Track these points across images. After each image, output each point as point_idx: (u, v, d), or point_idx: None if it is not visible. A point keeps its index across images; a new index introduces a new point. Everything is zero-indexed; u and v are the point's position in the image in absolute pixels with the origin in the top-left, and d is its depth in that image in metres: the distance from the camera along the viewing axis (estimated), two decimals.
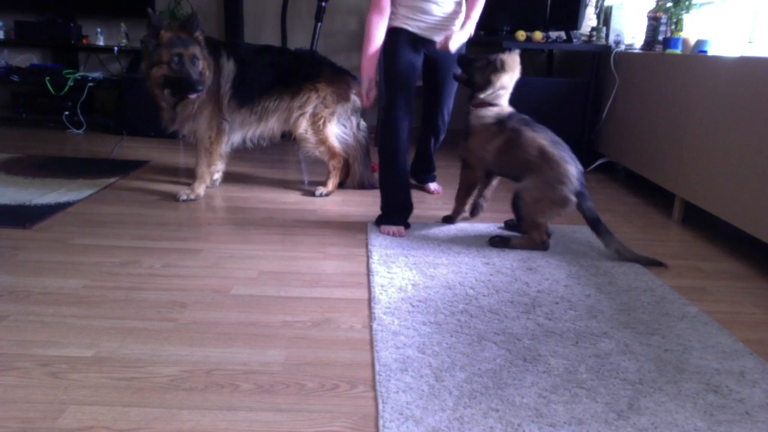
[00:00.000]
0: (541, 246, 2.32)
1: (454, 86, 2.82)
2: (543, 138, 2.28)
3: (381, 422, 1.26)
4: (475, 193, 2.58)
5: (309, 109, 2.91)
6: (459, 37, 2.48)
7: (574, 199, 2.22)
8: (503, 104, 2.41)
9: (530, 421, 1.29)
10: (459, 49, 2.56)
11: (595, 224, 2.24)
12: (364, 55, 2.47)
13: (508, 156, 2.33)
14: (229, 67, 2.80)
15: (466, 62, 2.46)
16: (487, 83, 2.38)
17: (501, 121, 2.35)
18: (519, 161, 2.30)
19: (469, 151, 2.45)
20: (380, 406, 1.31)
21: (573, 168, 2.24)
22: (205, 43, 2.69)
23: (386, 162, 2.50)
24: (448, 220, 2.63)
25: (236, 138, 2.97)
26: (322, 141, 2.95)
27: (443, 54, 2.58)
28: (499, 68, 2.37)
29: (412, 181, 3.06)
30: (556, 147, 2.26)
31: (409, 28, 2.53)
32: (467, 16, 2.56)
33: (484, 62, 2.39)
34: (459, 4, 2.57)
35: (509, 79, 2.40)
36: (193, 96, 2.64)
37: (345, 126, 3.00)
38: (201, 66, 2.64)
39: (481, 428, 1.25)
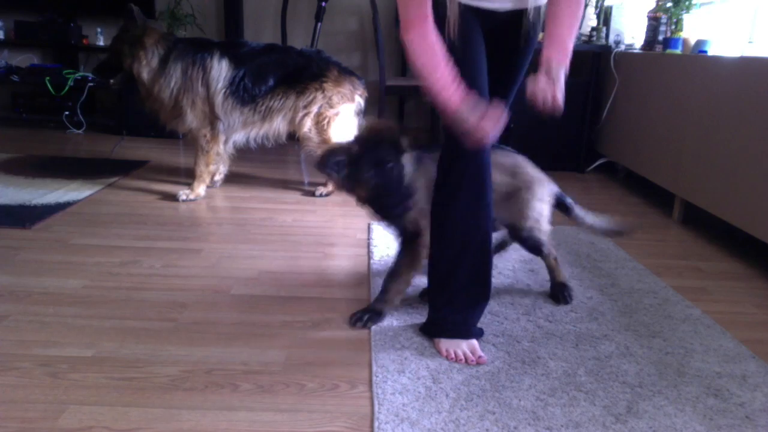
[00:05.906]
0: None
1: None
2: None
3: (376, 424, 1.26)
4: None
5: (314, 108, 2.91)
6: (560, 74, 1.45)
7: None
8: None
9: (527, 423, 1.29)
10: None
11: None
12: (435, 82, 1.41)
13: None
14: (221, 66, 2.80)
15: None
16: None
17: None
18: None
19: None
20: (376, 408, 1.31)
21: None
22: (185, 44, 2.80)
23: (437, 215, 1.59)
24: None
25: (239, 137, 2.97)
26: (326, 141, 2.95)
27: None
28: None
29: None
30: None
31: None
32: (557, 28, 1.46)
33: None
34: None
35: None
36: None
37: (348, 127, 3.00)
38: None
39: (476, 431, 1.25)
